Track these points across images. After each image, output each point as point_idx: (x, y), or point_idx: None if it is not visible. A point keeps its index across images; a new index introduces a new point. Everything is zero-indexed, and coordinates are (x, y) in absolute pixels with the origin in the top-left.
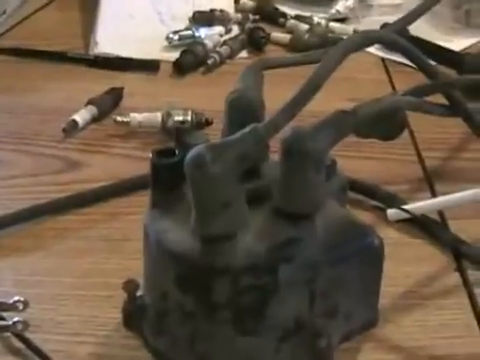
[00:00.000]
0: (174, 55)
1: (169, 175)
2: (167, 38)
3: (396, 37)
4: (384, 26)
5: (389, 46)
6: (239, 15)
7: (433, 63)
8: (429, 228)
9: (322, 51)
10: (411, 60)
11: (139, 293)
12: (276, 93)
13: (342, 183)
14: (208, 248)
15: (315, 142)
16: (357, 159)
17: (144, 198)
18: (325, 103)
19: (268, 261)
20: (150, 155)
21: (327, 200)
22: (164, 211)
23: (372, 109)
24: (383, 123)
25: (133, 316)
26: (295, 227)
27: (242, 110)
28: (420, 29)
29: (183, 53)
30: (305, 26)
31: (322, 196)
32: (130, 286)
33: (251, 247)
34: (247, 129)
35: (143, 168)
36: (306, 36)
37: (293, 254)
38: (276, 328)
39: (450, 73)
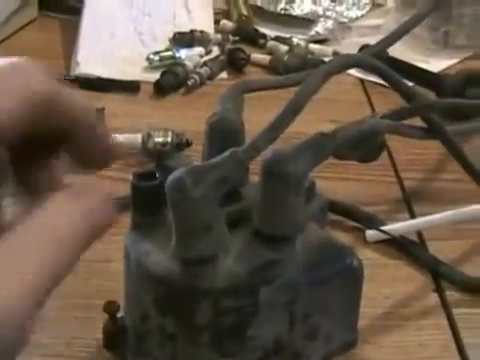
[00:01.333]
0: (155, 76)
1: (149, 198)
2: (148, 59)
3: (375, 61)
4: (364, 48)
5: (368, 69)
6: (219, 36)
7: (412, 84)
8: (407, 249)
9: (303, 74)
10: (389, 83)
11: (120, 314)
12: (254, 116)
13: (322, 205)
14: (189, 270)
15: (295, 164)
16: (336, 180)
17: (126, 219)
18: (306, 124)
19: (249, 283)
20: (131, 177)
21: (307, 222)
22: (144, 233)
23: (351, 132)
24: (362, 146)
25: (114, 337)
26: (275, 249)
27: (222, 133)
28: (399, 51)
29: (163, 74)
30: (285, 47)
31: (302, 218)
32: (111, 307)
33: (232, 269)
34: (227, 153)
35: (124, 189)
36: (286, 57)
37: (273, 276)
38: (256, 349)
39: (429, 95)
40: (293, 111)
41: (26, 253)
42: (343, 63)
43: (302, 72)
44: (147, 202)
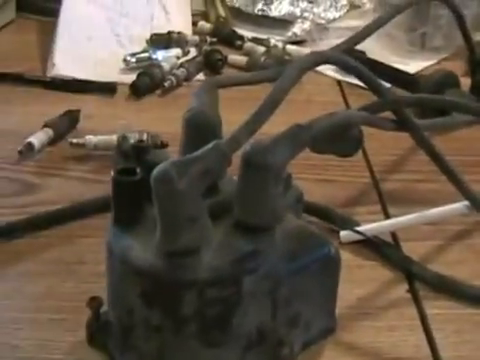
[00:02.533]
0: (131, 77)
1: (131, 193)
2: (124, 60)
3: (346, 58)
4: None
5: (341, 66)
6: (197, 37)
7: (388, 85)
8: (381, 250)
9: (275, 70)
10: (361, 79)
11: (102, 310)
12: (228, 116)
13: (297, 195)
14: (174, 263)
15: (274, 155)
16: (311, 181)
17: (100, 221)
18: (283, 125)
19: (232, 273)
20: (112, 173)
21: (285, 212)
22: (126, 228)
23: (327, 122)
24: (339, 139)
25: (97, 333)
26: (256, 239)
27: (199, 127)
28: (377, 52)
29: (139, 75)
30: (262, 48)
31: (281, 209)
32: (94, 303)
33: (215, 261)
34: (210, 145)
35: (98, 191)
36: (263, 58)
37: (256, 266)
38: (241, 338)
39: (405, 94)
40: (271, 105)
41: None
42: (317, 59)
43: (273, 68)
44: (129, 197)
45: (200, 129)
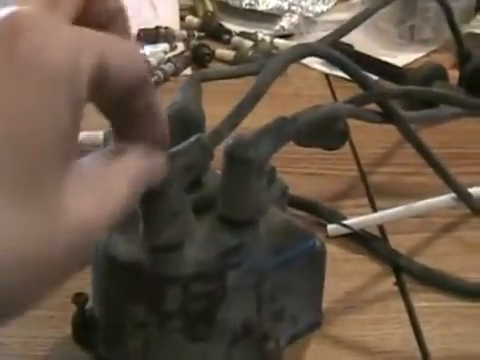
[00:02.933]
0: None
1: None
2: None
3: (331, 50)
4: None
5: (326, 58)
6: (184, 32)
7: (376, 78)
8: (368, 243)
9: (259, 63)
10: (346, 72)
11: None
12: (211, 109)
13: (282, 189)
14: (158, 258)
15: (257, 149)
16: (299, 175)
17: None
18: (269, 119)
19: (216, 268)
20: None
21: (269, 206)
22: None
23: (312, 115)
24: (324, 131)
25: (83, 329)
26: (240, 234)
27: (183, 121)
28: (365, 45)
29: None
30: (250, 43)
31: (265, 202)
32: (79, 299)
33: (199, 255)
34: (192, 139)
35: None
36: (250, 53)
37: (240, 260)
38: (226, 333)
39: (392, 87)
40: (254, 98)
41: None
42: (302, 51)
43: (257, 62)
44: None
45: (183, 123)
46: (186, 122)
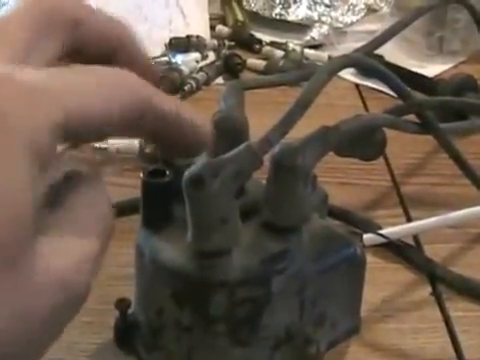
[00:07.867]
0: None
1: (161, 194)
2: None
3: (372, 61)
4: None
5: (366, 69)
6: (215, 41)
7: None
8: (404, 253)
9: (299, 73)
10: (386, 83)
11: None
12: (252, 120)
13: (322, 196)
14: (205, 263)
15: (304, 157)
16: (333, 185)
17: (122, 224)
18: (305, 130)
19: (262, 274)
20: (141, 175)
21: (312, 212)
22: (156, 230)
23: (353, 125)
24: (363, 141)
25: (125, 334)
26: (284, 240)
27: (228, 129)
28: (395, 56)
29: (159, 79)
30: (280, 52)
31: (309, 209)
32: (122, 304)
33: (244, 261)
34: (242, 147)
35: (121, 194)
36: (281, 62)
37: (284, 266)
38: (269, 338)
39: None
40: (302, 106)
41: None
42: (345, 62)
43: (297, 71)
44: (158, 199)
45: (228, 131)
46: (230, 130)
